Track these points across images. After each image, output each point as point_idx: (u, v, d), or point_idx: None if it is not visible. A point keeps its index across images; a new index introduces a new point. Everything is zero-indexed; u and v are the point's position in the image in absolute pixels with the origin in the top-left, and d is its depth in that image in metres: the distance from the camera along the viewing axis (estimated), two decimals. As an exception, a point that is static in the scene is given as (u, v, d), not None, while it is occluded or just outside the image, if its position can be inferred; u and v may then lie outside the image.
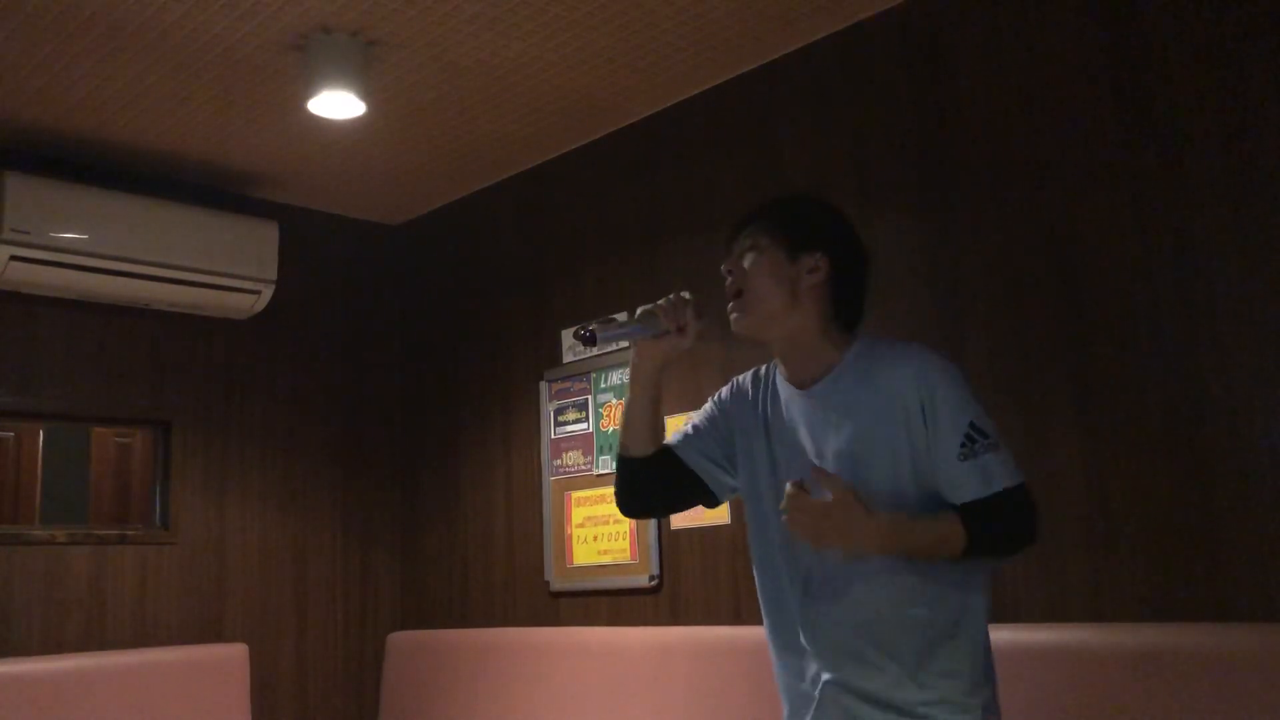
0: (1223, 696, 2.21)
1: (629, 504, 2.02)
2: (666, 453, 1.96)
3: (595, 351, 3.95)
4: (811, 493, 1.68)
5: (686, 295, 1.88)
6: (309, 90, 3.34)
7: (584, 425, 3.97)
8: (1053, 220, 2.78)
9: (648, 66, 3.52)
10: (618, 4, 3.14)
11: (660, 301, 1.88)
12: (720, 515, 3.45)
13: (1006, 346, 2.83)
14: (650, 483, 1.96)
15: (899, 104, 3.14)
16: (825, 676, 1.75)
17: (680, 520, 3.58)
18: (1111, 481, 2.60)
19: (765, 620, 1.89)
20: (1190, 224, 2.54)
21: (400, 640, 4.44)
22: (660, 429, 1.96)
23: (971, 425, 1.70)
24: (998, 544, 1.73)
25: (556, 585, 4.00)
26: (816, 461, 1.78)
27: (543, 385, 4.17)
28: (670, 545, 3.63)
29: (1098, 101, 2.72)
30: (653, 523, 3.65)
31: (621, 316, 1.88)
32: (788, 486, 1.70)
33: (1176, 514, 2.49)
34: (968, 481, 1.69)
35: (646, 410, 1.92)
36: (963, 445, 1.69)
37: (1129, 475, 2.57)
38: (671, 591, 3.61)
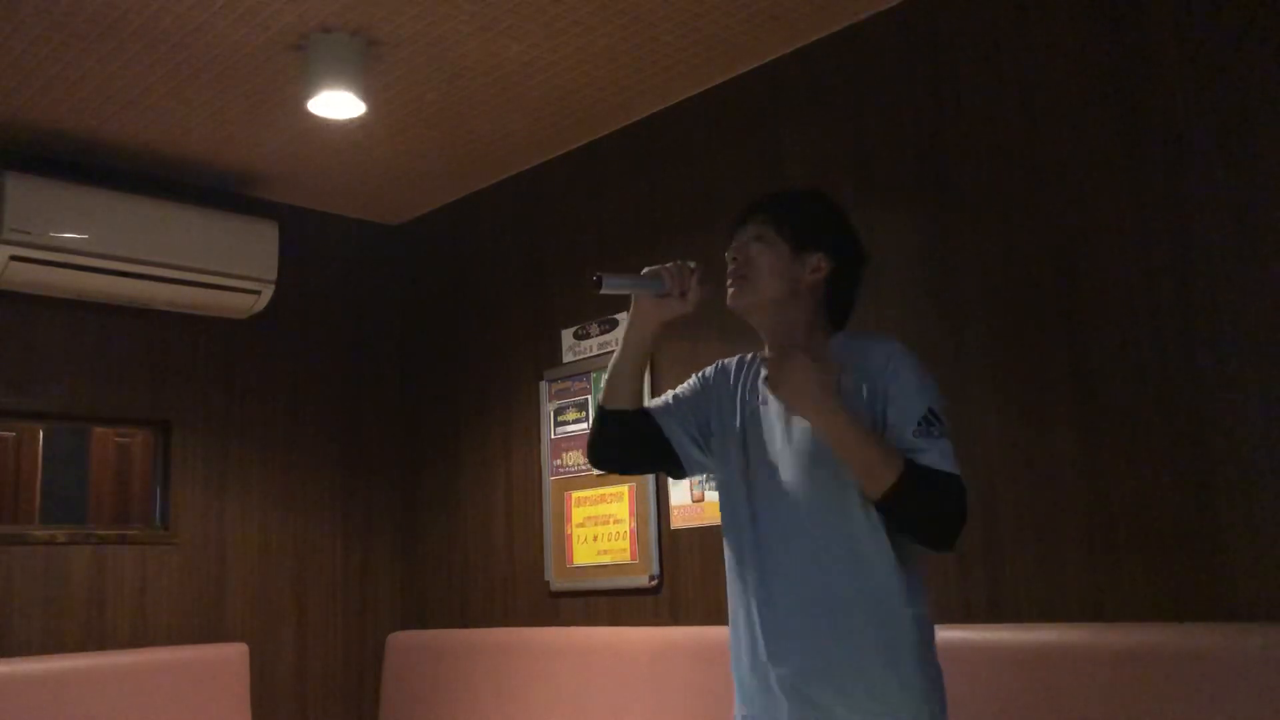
0: (1223, 696, 2.21)
1: (600, 457, 2.08)
2: (645, 416, 2.01)
3: (595, 351, 3.95)
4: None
5: (692, 264, 1.93)
6: (309, 90, 3.34)
7: (584, 425, 3.97)
8: (1053, 220, 2.78)
9: (648, 66, 3.52)
10: (618, 4, 3.14)
11: (667, 264, 1.92)
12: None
13: (1006, 346, 2.83)
14: (623, 440, 2.02)
15: (899, 104, 3.14)
16: (771, 656, 1.79)
17: (680, 520, 3.58)
18: (1111, 481, 2.60)
19: (729, 595, 1.93)
20: (1190, 224, 2.54)
21: (400, 640, 4.44)
22: (641, 389, 2.03)
23: (930, 410, 1.76)
24: (921, 510, 1.72)
25: (556, 585, 4.00)
26: (785, 442, 1.85)
27: (543, 385, 4.17)
28: (670, 545, 3.63)
29: (1098, 101, 2.72)
30: (653, 523, 3.66)
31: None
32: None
33: (1176, 514, 2.49)
34: (918, 451, 1.73)
35: (634, 368, 2.00)
36: (919, 424, 1.74)
37: (1129, 475, 2.57)
38: (671, 591, 3.61)
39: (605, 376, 2.03)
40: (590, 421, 2.08)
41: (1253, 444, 2.39)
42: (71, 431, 5.52)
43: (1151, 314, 2.58)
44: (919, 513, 1.73)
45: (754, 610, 1.83)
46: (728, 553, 1.94)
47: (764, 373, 1.81)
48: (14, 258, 3.72)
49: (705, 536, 3.50)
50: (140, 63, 3.40)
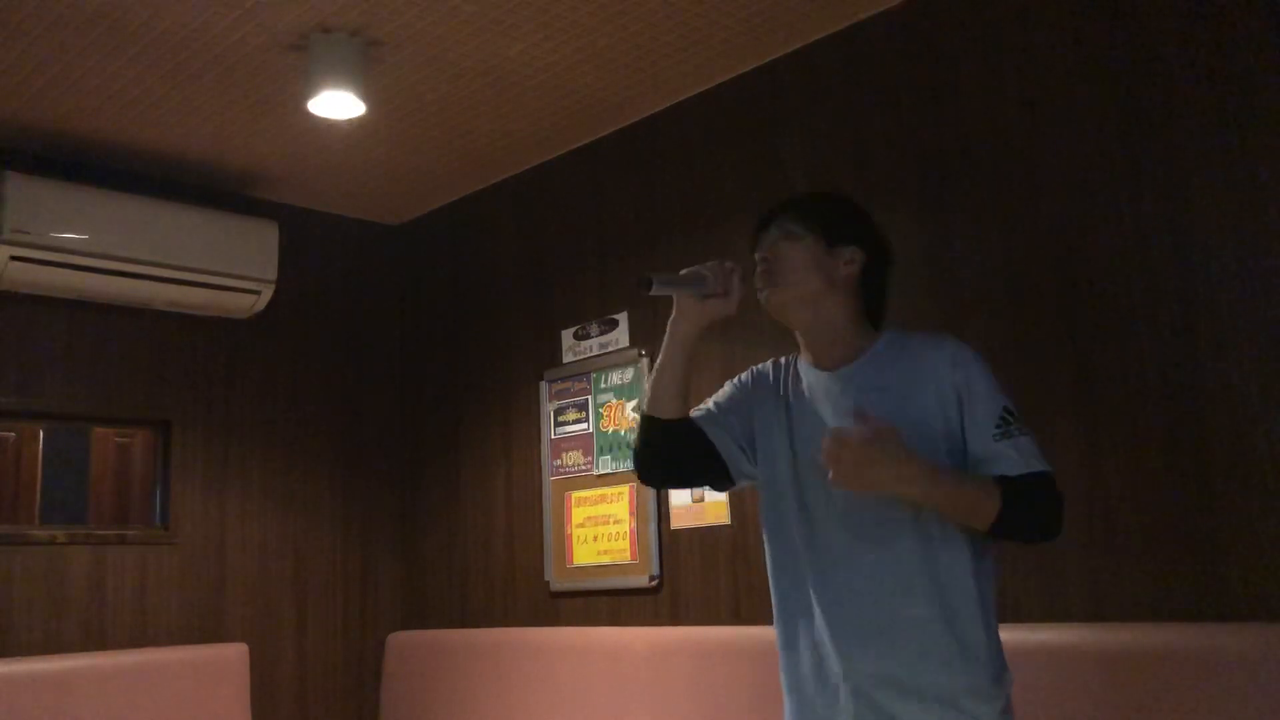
0: (1223, 696, 2.22)
1: (648, 469, 2.00)
2: (691, 425, 1.95)
3: (595, 351, 3.95)
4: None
5: (729, 264, 1.90)
6: (309, 90, 3.34)
7: (584, 425, 3.97)
8: (1052, 220, 2.78)
9: (648, 66, 3.52)
10: (618, 4, 3.14)
11: (708, 264, 1.89)
12: (720, 516, 3.45)
13: (1006, 346, 2.83)
14: (672, 450, 1.95)
15: (899, 104, 3.14)
16: (842, 667, 1.75)
17: (680, 520, 3.58)
18: (1111, 481, 2.60)
19: (776, 610, 1.88)
20: (1190, 224, 2.54)
21: (400, 640, 4.44)
22: (687, 397, 1.94)
23: (1006, 409, 1.76)
24: (1027, 523, 1.73)
25: (556, 585, 4.00)
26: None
27: (543, 385, 4.17)
28: (670, 545, 3.62)
29: (1098, 101, 2.72)
30: (653, 523, 3.66)
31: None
32: (829, 431, 1.69)
33: (1176, 514, 2.49)
34: (1004, 458, 1.72)
35: (680, 371, 1.91)
36: (998, 426, 1.74)
37: (1129, 475, 2.57)
38: (671, 591, 3.61)
39: (650, 385, 1.95)
40: (636, 431, 1.98)
41: (1253, 444, 2.39)
42: (71, 431, 5.52)
43: (1151, 313, 2.58)
44: (1025, 528, 1.75)
45: (815, 616, 1.79)
46: (771, 559, 1.90)
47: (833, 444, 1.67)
48: (14, 258, 3.72)
49: (705, 536, 3.51)
50: (140, 63, 3.40)
